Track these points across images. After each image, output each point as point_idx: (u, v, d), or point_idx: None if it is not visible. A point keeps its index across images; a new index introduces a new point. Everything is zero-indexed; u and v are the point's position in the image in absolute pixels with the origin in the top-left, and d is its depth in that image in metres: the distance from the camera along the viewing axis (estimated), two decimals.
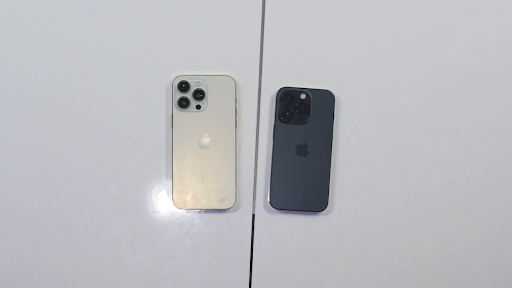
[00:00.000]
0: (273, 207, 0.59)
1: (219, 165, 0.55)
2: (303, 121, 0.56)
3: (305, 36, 0.62)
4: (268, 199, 0.59)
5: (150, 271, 0.61)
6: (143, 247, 0.61)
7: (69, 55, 0.60)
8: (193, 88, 0.54)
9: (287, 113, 0.55)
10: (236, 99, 0.56)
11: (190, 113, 0.54)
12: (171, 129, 0.55)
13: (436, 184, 0.63)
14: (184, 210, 0.61)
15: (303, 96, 0.55)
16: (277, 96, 0.56)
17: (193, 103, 0.54)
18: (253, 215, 0.62)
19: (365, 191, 0.63)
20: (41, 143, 0.60)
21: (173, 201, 0.57)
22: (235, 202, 0.58)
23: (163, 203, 0.61)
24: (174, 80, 0.53)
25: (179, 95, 0.54)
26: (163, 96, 0.60)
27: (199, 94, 0.53)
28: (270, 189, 0.59)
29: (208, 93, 0.54)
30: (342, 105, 0.62)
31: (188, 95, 0.54)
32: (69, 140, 0.60)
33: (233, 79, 0.54)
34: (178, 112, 0.54)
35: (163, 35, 0.60)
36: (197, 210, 0.61)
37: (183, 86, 0.54)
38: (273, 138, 0.56)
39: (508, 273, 0.65)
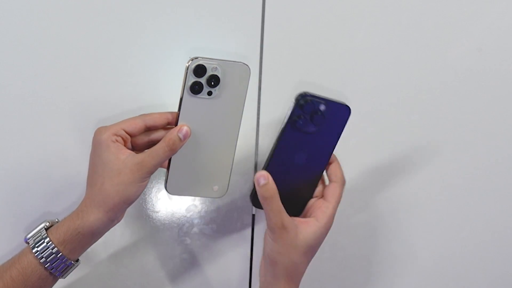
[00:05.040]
0: None
1: (219, 154, 0.53)
2: (314, 131, 0.53)
3: (305, 36, 0.62)
4: None
5: (150, 271, 0.61)
6: (143, 247, 0.61)
7: (69, 55, 0.60)
8: (209, 73, 0.49)
9: (300, 122, 0.52)
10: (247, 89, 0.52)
11: (199, 99, 0.50)
12: (177, 111, 0.51)
13: (436, 184, 0.63)
14: (184, 210, 0.61)
15: (322, 107, 0.52)
16: (297, 102, 0.51)
17: (206, 89, 0.50)
18: (253, 215, 0.62)
19: (365, 191, 0.63)
20: (45, 135, 0.60)
21: (166, 187, 0.53)
22: (226, 191, 0.55)
23: (163, 203, 0.61)
24: (189, 63, 0.48)
25: (193, 79, 0.49)
26: (163, 96, 0.60)
27: (214, 81, 0.49)
28: None
29: (222, 79, 0.50)
30: None
31: (203, 80, 0.49)
32: (67, 138, 0.60)
33: (248, 67, 0.51)
34: (188, 97, 0.50)
35: (163, 35, 0.60)
36: (197, 210, 0.61)
37: (199, 70, 0.49)
38: (279, 141, 0.54)
39: (508, 273, 0.65)
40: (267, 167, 0.52)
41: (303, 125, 0.51)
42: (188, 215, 0.61)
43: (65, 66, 0.59)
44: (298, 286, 0.52)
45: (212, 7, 0.60)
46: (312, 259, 0.62)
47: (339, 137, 0.53)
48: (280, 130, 0.51)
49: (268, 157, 0.53)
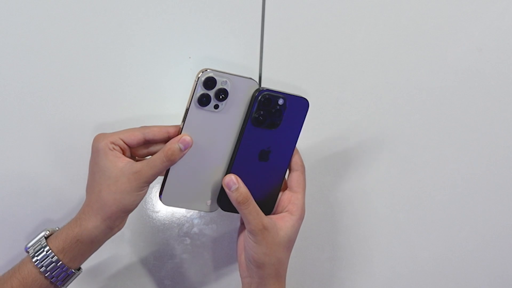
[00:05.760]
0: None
1: (217, 169, 0.52)
2: (274, 127, 0.52)
3: (305, 36, 0.62)
4: None
5: (150, 271, 0.61)
6: (143, 247, 0.61)
7: (71, 58, 0.60)
8: (218, 86, 0.49)
9: (261, 118, 0.52)
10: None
11: (205, 112, 0.50)
12: (182, 122, 0.51)
13: (436, 184, 0.63)
14: (184, 210, 0.61)
15: (281, 102, 0.52)
16: (255, 98, 0.51)
17: (213, 102, 0.50)
18: None
19: (365, 191, 0.63)
20: (45, 140, 0.60)
21: (160, 197, 0.52)
22: (217, 208, 0.54)
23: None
24: (200, 75, 0.48)
25: (202, 91, 0.49)
26: (163, 96, 0.60)
27: (222, 95, 0.50)
28: None
29: (230, 94, 0.50)
30: (342, 105, 0.62)
31: (211, 93, 0.49)
32: (67, 142, 0.60)
33: (257, 83, 0.51)
34: (195, 109, 0.49)
35: (163, 35, 0.60)
36: (197, 210, 0.61)
37: (209, 83, 0.49)
38: (241, 140, 0.52)
39: (508, 273, 0.65)
40: (231, 169, 0.52)
41: (263, 121, 0.51)
42: (188, 215, 0.62)
43: (66, 69, 0.59)
44: (285, 280, 0.52)
45: (212, 8, 0.60)
46: (312, 259, 0.63)
47: (300, 130, 0.53)
48: (240, 129, 0.51)
49: (231, 158, 0.52)
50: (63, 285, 0.49)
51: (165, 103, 0.60)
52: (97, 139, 0.49)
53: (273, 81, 0.61)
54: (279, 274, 0.51)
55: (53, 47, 0.59)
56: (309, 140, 0.61)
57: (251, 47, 0.61)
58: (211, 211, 0.54)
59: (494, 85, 0.63)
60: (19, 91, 0.59)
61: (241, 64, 0.61)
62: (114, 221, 0.48)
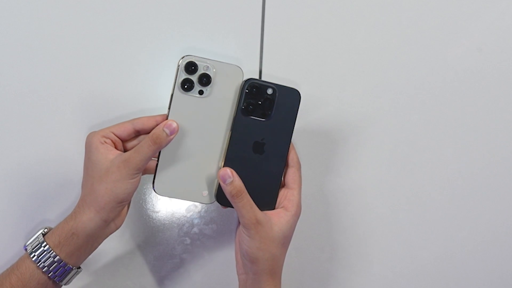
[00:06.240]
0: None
1: (208, 158, 0.52)
2: (265, 117, 0.52)
3: (305, 36, 0.62)
4: None
5: (150, 271, 0.61)
6: (143, 247, 0.61)
7: (68, 57, 0.60)
8: (200, 71, 0.50)
9: (250, 107, 0.51)
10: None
11: (191, 97, 0.50)
12: (168, 109, 0.51)
13: (436, 184, 0.63)
14: (184, 210, 0.61)
15: (269, 91, 0.52)
16: (243, 87, 0.51)
17: (197, 87, 0.50)
18: None
19: (365, 191, 0.63)
20: (47, 133, 0.60)
21: (153, 185, 0.52)
22: (215, 200, 0.54)
23: (163, 203, 0.61)
24: (181, 60, 0.49)
25: (184, 76, 0.50)
26: (163, 96, 0.60)
27: (205, 79, 0.50)
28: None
29: (214, 80, 0.50)
30: (342, 105, 0.62)
31: (194, 78, 0.50)
32: (66, 141, 0.60)
33: (241, 70, 0.51)
34: (179, 94, 0.50)
35: (162, 34, 0.60)
36: (197, 210, 0.61)
37: (190, 67, 0.49)
38: (232, 132, 0.51)
39: (508, 273, 0.65)
40: (226, 160, 0.51)
41: (252, 110, 0.51)
42: (188, 215, 0.61)
43: (64, 67, 0.59)
44: (280, 278, 0.52)
45: (212, 8, 0.60)
46: (312, 259, 0.62)
47: (294, 123, 0.52)
48: (230, 118, 0.51)
49: (224, 151, 0.52)
50: (61, 281, 0.50)
51: (165, 103, 0.60)
52: (89, 136, 0.50)
53: (273, 81, 0.61)
54: (274, 271, 0.51)
55: (53, 45, 0.59)
56: (309, 139, 0.61)
57: (251, 47, 0.61)
58: (208, 203, 0.53)
59: (494, 85, 0.63)
60: (17, 90, 0.59)
61: (241, 64, 0.61)
62: (108, 213, 0.48)
